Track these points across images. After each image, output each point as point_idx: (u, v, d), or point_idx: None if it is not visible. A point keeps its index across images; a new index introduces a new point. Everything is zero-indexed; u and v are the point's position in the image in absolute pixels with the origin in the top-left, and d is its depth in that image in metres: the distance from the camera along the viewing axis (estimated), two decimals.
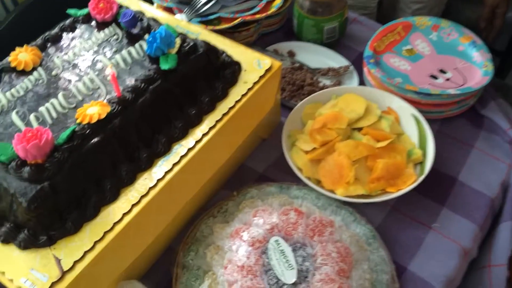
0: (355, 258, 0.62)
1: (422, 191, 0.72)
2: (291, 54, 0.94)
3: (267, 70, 0.72)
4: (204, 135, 0.65)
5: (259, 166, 0.78)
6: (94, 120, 0.58)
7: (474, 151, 0.77)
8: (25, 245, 0.54)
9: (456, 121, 0.81)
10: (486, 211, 0.71)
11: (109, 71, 0.61)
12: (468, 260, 0.69)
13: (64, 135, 0.57)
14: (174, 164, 0.62)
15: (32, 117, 0.60)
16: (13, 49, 0.68)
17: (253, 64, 0.73)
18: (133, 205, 0.58)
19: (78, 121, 0.59)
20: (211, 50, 0.70)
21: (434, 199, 0.72)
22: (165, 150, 0.63)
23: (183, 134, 0.65)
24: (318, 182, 0.72)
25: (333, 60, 0.91)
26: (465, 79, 0.80)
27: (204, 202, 0.73)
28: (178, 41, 0.67)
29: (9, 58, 0.67)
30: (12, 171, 0.55)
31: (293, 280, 0.58)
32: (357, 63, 0.90)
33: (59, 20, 0.75)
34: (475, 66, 0.81)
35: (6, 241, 0.55)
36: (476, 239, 0.69)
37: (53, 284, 0.52)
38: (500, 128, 0.79)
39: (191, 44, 0.68)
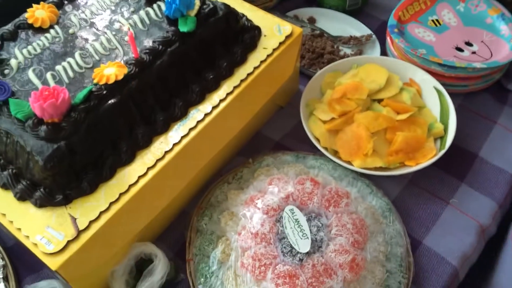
0: (370, 230, 0.61)
1: (441, 166, 0.71)
2: (312, 20, 0.91)
3: (288, 37, 0.70)
4: (221, 100, 0.64)
5: (276, 134, 0.77)
6: (111, 81, 0.57)
7: (496, 127, 0.75)
8: (41, 203, 0.55)
9: (479, 95, 0.79)
10: (506, 189, 0.70)
11: (127, 31, 0.59)
12: (486, 238, 0.68)
13: (81, 95, 0.56)
14: (191, 129, 0.61)
15: (48, 75, 0.59)
16: (25, 3, 0.67)
17: (273, 29, 0.71)
18: (149, 168, 0.58)
19: (95, 81, 0.58)
20: (231, 13, 0.68)
21: (453, 174, 0.71)
22: (182, 114, 0.62)
23: (200, 98, 0.64)
24: (335, 153, 0.71)
25: (355, 28, 0.89)
26: (492, 52, 0.77)
27: (219, 168, 0.72)
28: (197, 2, 0.65)
29: (26, 15, 0.65)
30: (28, 129, 0.54)
31: (307, 249, 0.58)
32: (380, 32, 0.87)
33: None
34: (502, 40, 0.78)
35: (22, 198, 0.55)
36: (495, 217, 0.68)
37: (68, 242, 0.52)
38: None
39: (211, 6, 0.66)
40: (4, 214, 0.55)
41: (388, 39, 0.82)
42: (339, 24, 0.90)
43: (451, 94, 0.73)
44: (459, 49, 0.78)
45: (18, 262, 0.65)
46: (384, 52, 0.84)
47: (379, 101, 0.75)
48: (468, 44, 0.78)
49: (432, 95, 0.74)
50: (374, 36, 0.86)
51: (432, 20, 0.82)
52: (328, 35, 0.88)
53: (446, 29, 0.81)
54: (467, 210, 0.67)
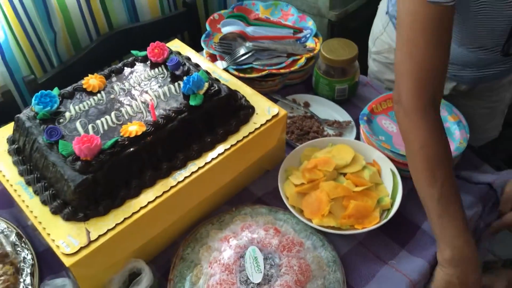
0: (313, 274, 0.77)
1: (387, 233, 0.86)
2: (306, 104, 1.12)
3: (274, 116, 0.90)
4: (213, 158, 0.83)
5: (259, 191, 0.95)
6: (132, 135, 0.79)
7: None
8: (67, 218, 0.75)
9: None
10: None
11: (149, 101, 0.81)
12: None
13: (109, 142, 0.77)
14: (186, 177, 0.80)
15: (90, 126, 0.82)
16: (93, 70, 0.91)
17: (265, 109, 0.92)
18: (149, 202, 0.77)
19: (121, 134, 0.80)
20: (231, 94, 0.89)
21: (397, 241, 0.86)
22: (181, 165, 0.82)
23: (197, 155, 0.83)
24: (301, 211, 0.88)
25: (340, 114, 1.08)
26: None
27: (209, 212, 0.90)
28: (206, 85, 0.87)
29: (82, 82, 0.90)
30: (68, 163, 0.76)
31: (259, 280, 0.74)
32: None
33: (124, 55, 0.98)
34: (452, 141, 0.94)
35: (55, 212, 0.76)
36: (426, 276, 0.82)
37: (81, 248, 0.71)
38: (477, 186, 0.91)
39: (216, 88, 0.88)
40: (40, 222, 0.75)
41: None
42: (328, 110, 1.10)
43: (405, 178, 0.90)
44: None
45: (44, 264, 0.84)
46: (359, 135, 1.03)
47: (344, 174, 0.92)
48: None
49: (388, 175, 0.91)
50: (352, 122, 1.05)
51: None
52: (317, 118, 1.08)
53: None
54: (402, 269, 0.81)
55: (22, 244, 0.84)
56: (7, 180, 0.81)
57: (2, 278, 0.77)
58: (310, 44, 1.17)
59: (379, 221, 0.84)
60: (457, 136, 0.95)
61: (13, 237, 0.85)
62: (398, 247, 0.85)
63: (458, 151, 0.91)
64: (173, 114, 0.83)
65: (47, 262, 0.84)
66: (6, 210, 0.91)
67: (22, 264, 0.82)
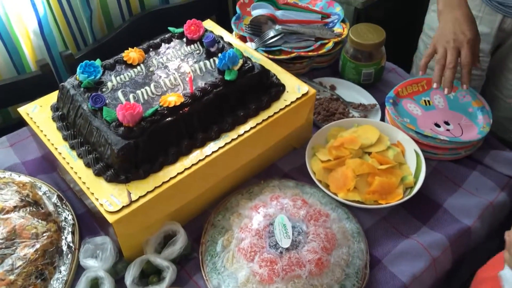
0: (339, 243, 0.81)
1: (410, 210, 0.90)
2: (333, 87, 1.15)
3: (304, 94, 0.94)
4: (245, 131, 0.88)
5: (286, 167, 0.99)
6: (171, 105, 0.83)
7: (460, 190, 0.94)
8: (110, 179, 0.79)
9: (451, 164, 0.98)
10: (461, 235, 0.87)
11: (188, 74, 0.86)
12: (439, 269, 0.84)
13: (150, 111, 0.82)
14: (220, 148, 0.85)
15: (131, 96, 0.86)
16: (125, 48, 0.96)
17: (295, 88, 0.95)
18: (185, 169, 0.82)
19: (160, 104, 0.84)
20: (264, 72, 0.93)
21: (418, 218, 0.90)
22: (216, 136, 0.86)
23: (231, 128, 0.88)
24: (327, 186, 0.91)
25: (365, 98, 1.12)
26: (463, 133, 0.96)
27: (238, 184, 0.95)
28: (241, 61, 0.91)
29: (123, 54, 0.94)
30: (112, 128, 0.80)
31: (287, 245, 0.78)
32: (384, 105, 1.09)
33: (160, 33, 1.02)
34: (475, 125, 0.97)
35: (98, 174, 0.80)
36: (446, 252, 0.85)
37: (123, 207, 0.76)
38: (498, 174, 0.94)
39: (250, 65, 0.92)
40: (84, 183, 0.80)
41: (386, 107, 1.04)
42: (353, 93, 1.13)
43: (428, 159, 0.93)
44: (437, 125, 0.98)
45: (83, 225, 0.89)
46: (384, 119, 1.06)
47: (369, 153, 0.96)
48: (446, 123, 0.98)
49: (412, 155, 0.95)
50: (377, 105, 1.08)
51: (424, 100, 1.04)
52: (342, 100, 1.11)
53: (432, 109, 1.01)
54: (423, 242, 0.85)
55: (63, 206, 0.90)
56: (52, 144, 0.86)
57: (46, 234, 0.82)
58: (337, 29, 1.21)
59: (402, 198, 0.87)
60: (480, 120, 0.98)
61: (54, 199, 0.90)
62: (420, 224, 0.89)
63: (481, 135, 0.94)
64: (209, 88, 0.87)
65: (86, 224, 0.89)
66: (47, 175, 0.97)
67: (63, 223, 0.87)
